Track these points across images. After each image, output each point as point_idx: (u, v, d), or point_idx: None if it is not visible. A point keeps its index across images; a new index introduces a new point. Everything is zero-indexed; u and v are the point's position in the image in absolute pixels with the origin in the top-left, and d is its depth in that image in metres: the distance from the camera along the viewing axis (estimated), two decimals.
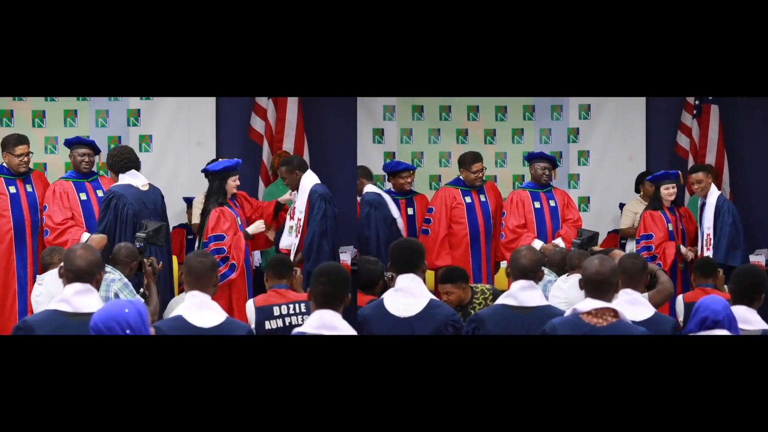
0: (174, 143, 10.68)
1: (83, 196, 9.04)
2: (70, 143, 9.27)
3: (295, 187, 9.09)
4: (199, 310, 5.25)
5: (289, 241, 9.06)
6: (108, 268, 7.06)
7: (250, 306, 7.09)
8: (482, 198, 9.95)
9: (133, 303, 4.45)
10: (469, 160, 9.90)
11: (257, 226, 8.99)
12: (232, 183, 8.88)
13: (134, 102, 10.59)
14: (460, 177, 9.97)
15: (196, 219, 9.53)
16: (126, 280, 7.06)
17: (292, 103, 10.57)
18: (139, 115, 10.64)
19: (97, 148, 9.20)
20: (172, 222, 10.10)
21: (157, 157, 10.62)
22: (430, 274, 9.64)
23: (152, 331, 4.51)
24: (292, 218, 9.10)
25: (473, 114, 11.30)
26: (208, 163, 9.50)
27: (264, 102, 10.61)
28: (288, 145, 10.52)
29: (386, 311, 5.86)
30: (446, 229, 9.89)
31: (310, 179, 9.14)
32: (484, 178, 9.99)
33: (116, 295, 6.96)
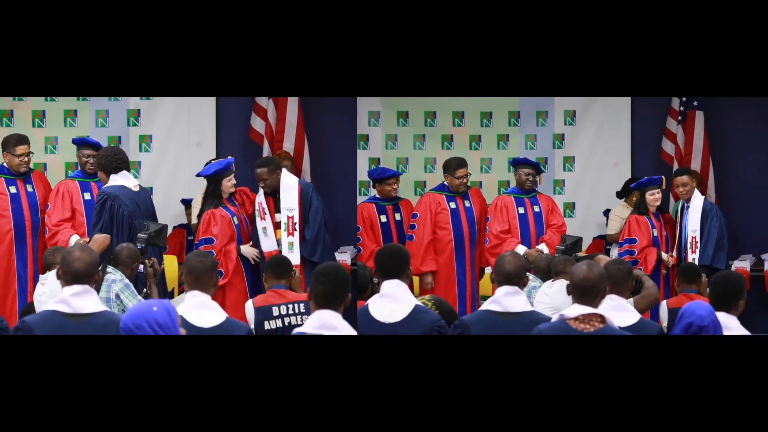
0: (174, 143, 10.68)
1: (87, 196, 9.04)
2: (77, 143, 9.30)
3: (275, 187, 9.11)
4: (199, 310, 5.31)
5: (269, 243, 9.06)
6: (109, 268, 7.11)
7: (249, 306, 7.09)
8: (467, 204, 9.97)
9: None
10: (454, 165, 9.92)
11: (251, 252, 9.00)
12: (227, 184, 8.92)
13: (134, 102, 10.57)
14: (445, 183, 9.98)
15: (195, 219, 9.48)
16: (127, 281, 7.11)
17: (292, 103, 10.59)
18: (139, 115, 10.64)
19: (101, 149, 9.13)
20: (172, 222, 10.16)
21: (157, 157, 10.63)
22: (415, 280, 9.65)
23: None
24: (263, 218, 9.09)
25: (458, 120, 11.31)
26: (207, 164, 9.50)
27: (264, 102, 10.62)
28: (288, 145, 10.55)
29: (371, 317, 5.85)
30: (431, 234, 9.90)
31: (290, 176, 9.22)
32: (468, 184, 10.00)
33: (117, 296, 7.02)
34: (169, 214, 10.15)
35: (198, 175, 9.19)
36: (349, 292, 5.06)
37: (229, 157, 9.24)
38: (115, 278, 7.08)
